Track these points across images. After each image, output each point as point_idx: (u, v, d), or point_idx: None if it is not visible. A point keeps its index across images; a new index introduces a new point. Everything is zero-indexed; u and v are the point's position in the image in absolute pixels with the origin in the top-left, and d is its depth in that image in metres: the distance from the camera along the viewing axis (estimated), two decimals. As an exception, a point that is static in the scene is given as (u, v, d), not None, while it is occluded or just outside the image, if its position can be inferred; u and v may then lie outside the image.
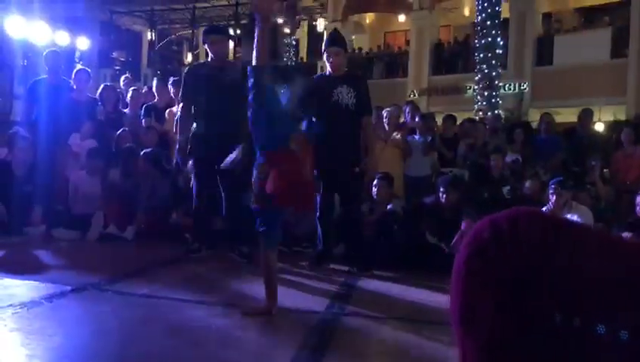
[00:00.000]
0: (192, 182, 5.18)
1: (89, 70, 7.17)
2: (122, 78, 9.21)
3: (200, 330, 2.76)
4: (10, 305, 2.88)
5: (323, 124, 4.70)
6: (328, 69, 4.88)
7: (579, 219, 5.09)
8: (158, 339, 2.59)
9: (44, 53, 6.78)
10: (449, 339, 2.85)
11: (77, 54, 16.44)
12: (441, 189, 5.49)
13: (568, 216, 5.25)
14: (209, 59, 5.09)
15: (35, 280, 3.61)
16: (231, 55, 26.19)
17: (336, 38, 4.92)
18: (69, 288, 3.35)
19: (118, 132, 6.67)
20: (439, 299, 3.89)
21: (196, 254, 4.94)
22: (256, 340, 2.72)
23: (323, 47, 4.96)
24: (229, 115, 4.71)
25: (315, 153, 4.81)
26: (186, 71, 5.27)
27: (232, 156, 4.28)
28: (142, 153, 6.25)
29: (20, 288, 3.35)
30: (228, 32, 5.72)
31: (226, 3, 26.84)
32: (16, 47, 14.23)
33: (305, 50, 27.37)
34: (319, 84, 4.86)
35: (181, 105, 5.10)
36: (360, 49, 23.74)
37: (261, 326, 2.92)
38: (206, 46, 5.02)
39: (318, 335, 2.85)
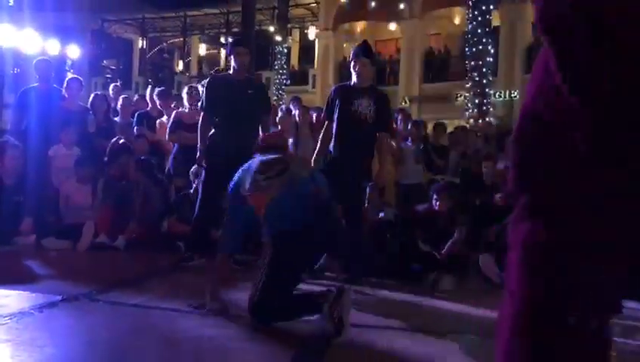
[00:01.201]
0: (198, 190, 5.17)
1: (81, 79, 7.13)
2: (111, 86, 9.19)
3: (192, 341, 2.74)
4: (0, 316, 2.84)
5: (339, 130, 4.73)
6: (354, 78, 4.85)
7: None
8: (150, 350, 2.57)
9: (35, 62, 6.74)
10: (443, 348, 2.85)
11: (68, 63, 16.37)
12: (434, 196, 5.50)
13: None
14: (231, 71, 5.17)
15: (25, 290, 3.57)
16: (223, 64, 26.30)
17: (365, 50, 4.90)
18: (59, 298, 3.31)
19: (113, 140, 6.63)
20: (434, 308, 3.89)
21: (188, 263, 4.93)
22: (250, 351, 2.69)
23: (352, 56, 4.97)
24: (246, 128, 4.78)
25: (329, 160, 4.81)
26: (208, 80, 5.30)
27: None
28: (134, 161, 6.23)
29: (10, 298, 3.31)
30: (251, 45, 5.78)
31: (217, 11, 26.86)
32: (6, 55, 14.15)
33: (296, 58, 27.42)
34: (339, 93, 4.85)
35: (202, 114, 5.13)
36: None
37: (254, 337, 2.90)
38: (231, 57, 5.11)
39: (313, 345, 2.83)
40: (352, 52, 5.15)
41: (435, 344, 2.92)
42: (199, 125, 5.14)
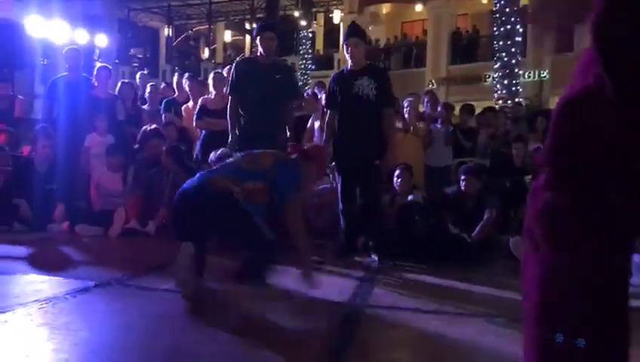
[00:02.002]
0: None
1: (110, 67, 7.19)
2: (138, 74, 9.27)
3: (224, 322, 2.76)
4: (36, 301, 2.90)
5: (344, 115, 4.72)
6: (349, 61, 4.84)
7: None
8: (182, 334, 2.59)
9: (64, 51, 6.82)
10: (474, 331, 2.82)
11: (96, 52, 16.54)
12: (462, 177, 5.44)
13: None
14: (258, 55, 5.15)
15: (59, 276, 3.64)
16: (248, 49, 26.33)
17: (354, 30, 4.88)
18: (92, 283, 3.36)
19: (144, 127, 6.69)
20: (463, 291, 3.86)
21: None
22: (280, 331, 2.71)
23: (342, 40, 4.95)
24: (272, 113, 4.78)
25: (335, 146, 4.82)
26: (235, 63, 5.32)
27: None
28: (163, 148, 6.28)
29: (45, 284, 3.38)
30: (278, 29, 5.74)
31: (242, -3, 26.84)
32: (36, 46, 14.35)
33: (321, 42, 27.27)
34: (339, 80, 4.83)
35: (230, 98, 5.14)
36: (377, 40, 23.58)
37: (284, 317, 2.91)
38: (258, 41, 5.09)
39: (342, 327, 2.83)
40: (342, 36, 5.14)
41: (468, 326, 2.90)
42: (228, 109, 5.16)
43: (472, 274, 4.43)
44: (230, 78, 5.18)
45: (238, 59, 6.25)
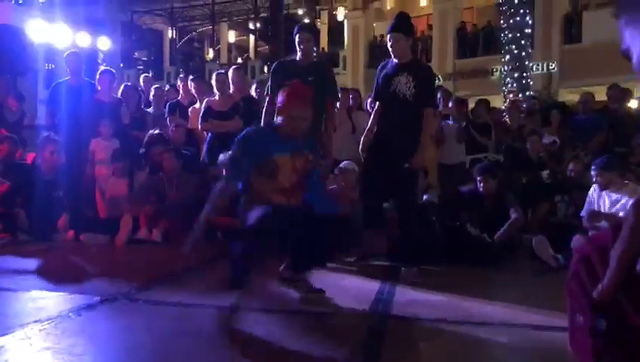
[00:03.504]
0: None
1: (113, 71, 7.04)
2: (142, 77, 9.12)
3: (239, 342, 2.58)
4: (37, 321, 2.73)
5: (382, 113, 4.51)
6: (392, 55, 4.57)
7: (628, 198, 4.79)
8: (193, 353, 2.41)
9: (65, 55, 6.67)
10: (503, 341, 2.64)
11: (100, 56, 16.43)
12: (478, 178, 5.24)
13: (616, 196, 4.95)
14: (297, 57, 5.01)
15: (63, 291, 3.48)
16: (252, 49, 26.12)
17: (397, 23, 4.49)
18: (98, 299, 3.19)
19: (149, 132, 6.54)
20: (486, 296, 3.66)
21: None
22: (300, 349, 2.52)
23: (387, 32, 4.66)
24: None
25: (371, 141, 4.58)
26: (274, 65, 5.17)
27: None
28: (168, 151, 6.13)
29: (48, 300, 3.21)
30: (316, 32, 5.61)
31: (246, -4, 26.69)
32: (38, 50, 14.23)
33: (325, 40, 27.08)
34: (381, 72, 4.60)
35: (267, 98, 5.03)
36: (382, 36, 23.36)
37: (303, 333, 2.73)
38: (297, 42, 4.91)
39: (366, 343, 2.65)
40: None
41: (494, 336, 2.72)
42: (264, 110, 5.03)
43: (494, 278, 4.24)
44: (269, 80, 5.06)
45: (240, 61, 6.09)
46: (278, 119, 3.58)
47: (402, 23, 4.52)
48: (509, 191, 5.34)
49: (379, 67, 4.68)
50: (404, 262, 4.29)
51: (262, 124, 4.97)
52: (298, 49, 4.92)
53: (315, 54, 5.29)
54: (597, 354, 0.97)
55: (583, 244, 1.05)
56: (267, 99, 5.07)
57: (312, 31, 5.30)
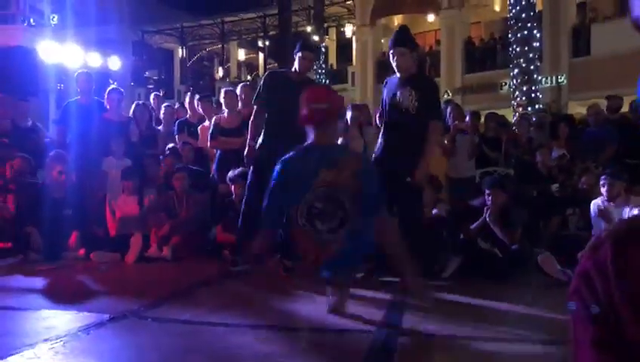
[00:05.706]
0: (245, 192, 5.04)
1: (122, 90, 7.09)
2: (152, 95, 9.18)
3: (248, 359, 2.57)
4: (47, 340, 2.73)
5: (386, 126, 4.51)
6: (395, 70, 4.58)
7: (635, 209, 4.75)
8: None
9: (75, 75, 6.74)
10: (514, 356, 2.61)
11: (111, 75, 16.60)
12: (487, 191, 5.20)
13: (627, 209, 4.91)
14: (292, 70, 4.99)
15: (72, 310, 3.47)
16: (261, 66, 26.28)
17: (400, 38, 4.53)
18: (107, 317, 3.19)
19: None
20: (497, 311, 3.63)
21: (235, 268, 4.85)
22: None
23: (388, 47, 4.67)
24: (296, 131, 4.58)
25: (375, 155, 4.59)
26: (266, 74, 5.18)
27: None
28: (177, 169, 6.17)
29: (58, 319, 3.21)
30: (318, 52, 5.65)
31: (254, 15, 26.95)
32: (50, 71, 14.40)
33: (334, 56, 27.23)
34: (386, 85, 4.62)
35: (255, 108, 5.00)
36: (390, 52, 23.48)
37: (314, 350, 2.71)
38: (296, 58, 4.90)
39: (377, 356, 2.63)
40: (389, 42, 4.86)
41: (507, 352, 2.68)
42: (251, 118, 5.01)
43: (505, 292, 4.20)
44: (259, 87, 5.03)
45: (250, 79, 6.13)
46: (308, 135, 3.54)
47: (404, 37, 4.56)
48: (517, 207, 5.28)
49: (385, 81, 4.71)
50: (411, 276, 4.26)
51: (248, 137, 4.96)
52: (297, 63, 4.91)
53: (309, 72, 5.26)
54: None
55: (583, 260, 1.04)
56: (255, 108, 5.01)
57: (314, 50, 5.27)
